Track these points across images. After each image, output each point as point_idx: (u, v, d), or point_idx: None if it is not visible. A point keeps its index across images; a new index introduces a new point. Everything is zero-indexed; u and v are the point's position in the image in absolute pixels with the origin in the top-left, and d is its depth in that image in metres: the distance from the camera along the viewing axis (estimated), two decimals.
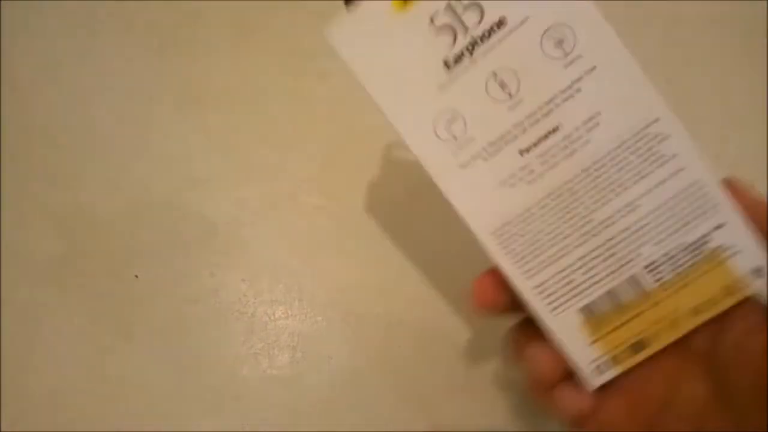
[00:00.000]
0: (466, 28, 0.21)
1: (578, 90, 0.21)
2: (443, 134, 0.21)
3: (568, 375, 0.22)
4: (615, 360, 0.22)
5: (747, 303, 0.21)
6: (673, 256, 0.21)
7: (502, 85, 0.21)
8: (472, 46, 0.21)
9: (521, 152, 0.21)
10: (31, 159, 0.34)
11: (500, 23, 0.21)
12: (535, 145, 0.21)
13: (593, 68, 0.21)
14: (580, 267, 0.21)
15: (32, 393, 0.32)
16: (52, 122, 0.34)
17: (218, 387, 0.32)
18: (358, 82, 0.21)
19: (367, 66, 0.21)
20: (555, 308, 0.22)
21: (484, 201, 0.22)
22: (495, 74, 0.21)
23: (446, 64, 0.21)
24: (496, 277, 0.22)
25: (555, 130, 0.21)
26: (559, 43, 0.21)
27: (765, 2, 0.34)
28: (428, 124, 0.21)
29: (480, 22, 0.21)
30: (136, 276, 0.33)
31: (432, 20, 0.21)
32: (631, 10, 0.34)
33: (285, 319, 0.32)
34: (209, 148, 0.34)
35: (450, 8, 0.21)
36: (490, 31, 0.21)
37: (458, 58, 0.21)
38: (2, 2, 0.35)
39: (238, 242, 0.33)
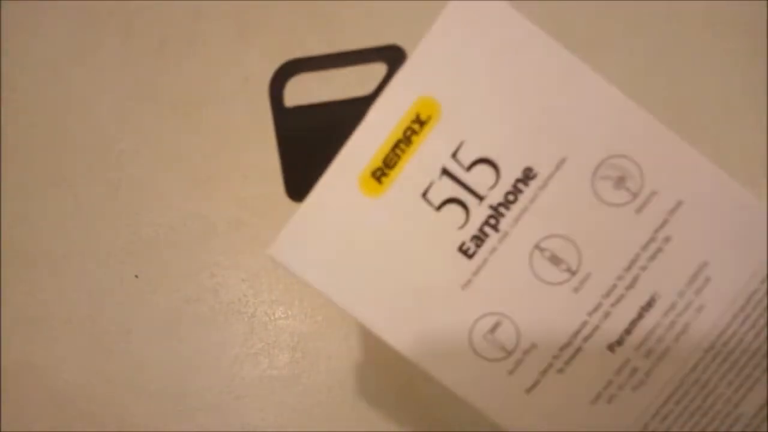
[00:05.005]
0: (479, 196, 0.15)
1: (667, 239, 0.15)
2: (487, 350, 0.15)
3: None
4: None
5: None
6: None
7: (555, 261, 0.15)
8: (494, 219, 0.15)
9: (611, 347, 0.15)
10: (31, 159, 0.34)
11: (527, 176, 0.15)
12: (628, 331, 0.15)
13: (678, 204, 0.15)
14: None
15: (32, 393, 0.32)
16: (52, 122, 0.34)
17: (218, 387, 0.32)
18: (337, 306, 0.15)
19: (343, 282, 0.15)
20: None
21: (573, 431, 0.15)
22: (540, 248, 0.15)
23: (464, 252, 0.15)
24: None
25: (651, 303, 0.15)
26: (620, 182, 0.15)
27: (765, 2, 0.34)
28: (462, 341, 0.15)
29: (496, 182, 0.15)
30: (136, 276, 0.33)
31: (425, 197, 0.15)
32: (630, 10, 0.34)
33: (285, 319, 0.32)
34: (209, 148, 0.34)
35: (447, 174, 0.15)
36: (515, 191, 0.15)
37: (479, 239, 0.15)
38: (2, 2, 0.35)
39: (238, 242, 0.33)
